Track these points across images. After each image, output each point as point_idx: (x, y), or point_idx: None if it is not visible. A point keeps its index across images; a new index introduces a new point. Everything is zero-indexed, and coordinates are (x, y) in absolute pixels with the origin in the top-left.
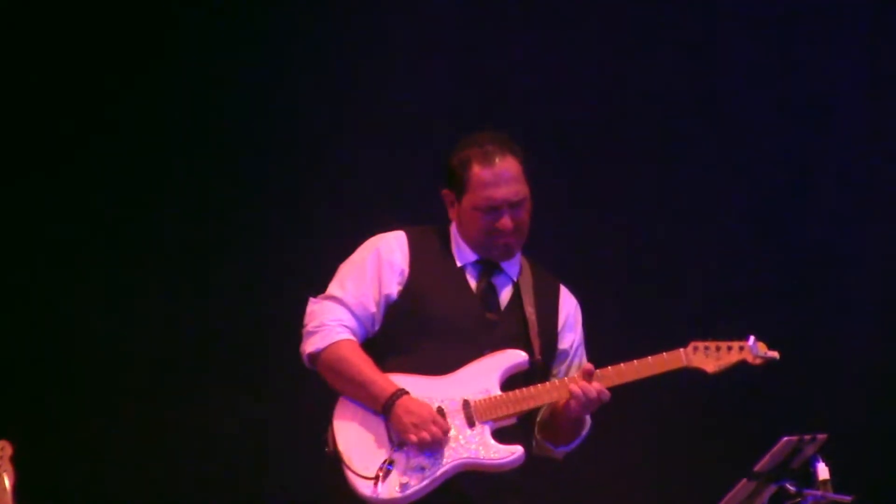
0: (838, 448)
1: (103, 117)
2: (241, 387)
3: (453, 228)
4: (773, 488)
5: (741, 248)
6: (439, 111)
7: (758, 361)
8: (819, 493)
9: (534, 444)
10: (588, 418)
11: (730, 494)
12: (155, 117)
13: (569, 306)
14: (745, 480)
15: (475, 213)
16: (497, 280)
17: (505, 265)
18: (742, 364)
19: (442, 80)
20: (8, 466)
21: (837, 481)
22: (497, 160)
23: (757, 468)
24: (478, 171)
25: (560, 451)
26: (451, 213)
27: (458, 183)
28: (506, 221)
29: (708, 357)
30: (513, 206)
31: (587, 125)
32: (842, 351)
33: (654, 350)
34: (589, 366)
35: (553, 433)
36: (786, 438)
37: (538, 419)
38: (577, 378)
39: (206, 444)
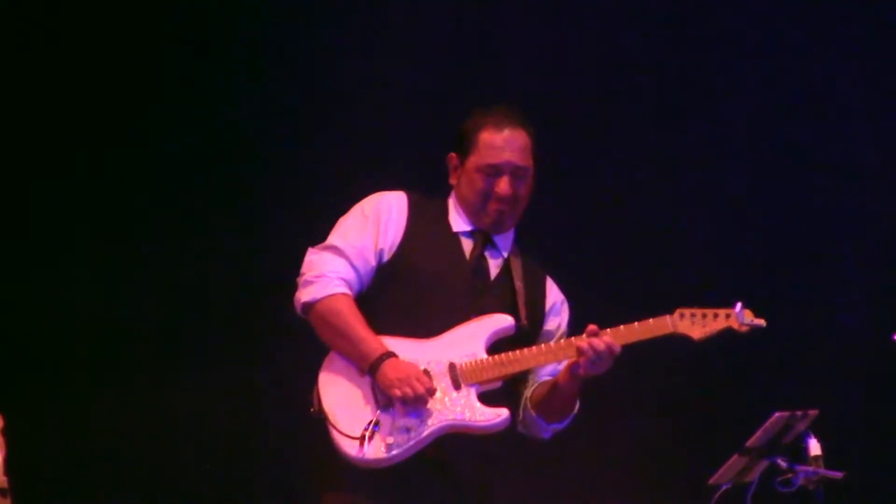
0: (830, 424)
1: (93, 85)
2: (236, 353)
3: (451, 198)
4: (764, 464)
5: (733, 222)
6: (435, 83)
7: (744, 329)
8: (811, 468)
9: (521, 421)
10: (577, 401)
11: (722, 469)
12: (148, 78)
13: (555, 295)
14: (736, 456)
15: (477, 174)
16: (489, 252)
17: (498, 241)
18: (728, 331)
19: (437, 52)
20: (0, 439)
21: (829, 457)
22: (507, 128)
23: (749, 444)
24: (487, 133)
25: (551, 429)
26: (453, 178)
27: (465, 144)
28: (504, 186)
29: (694, 324)
30: (514, 173)
31: (580, 100)
32: (833, 326)
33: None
34: (592, 326)
35: (547, 408)
36: (777, 414)
37: (530, 394)
38: (582, 337)
39: (201, 413)
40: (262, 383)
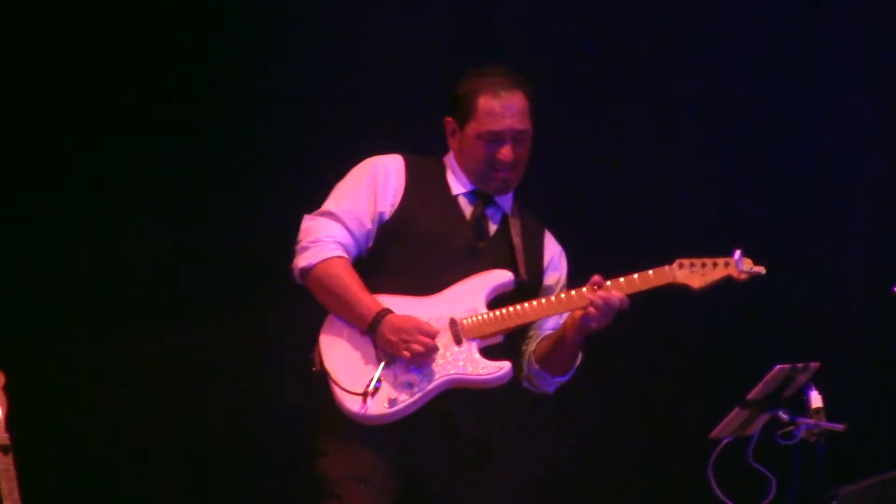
0: (831, 376)
1: (92, 50)
2: (237, 311)
3: (449, 159)
4: (766, 416)
5: (733, 176)
6: (432, 45)
7: (743, 277)
8: (812, 421)
9: (525, 376)
10: (581, 352)
11: (723, 423)
12: (150, 46)
13: (553, 249)
14: (738, 408)
15: (478, 141)
16: (489, 211)
17: (499, 199)
18: (728, 280)
19: (434, 13)
20: (0, 396)
21: (830, 410)
22: (505, 92)
23: (750, 396)
24: (485, 99)
25: (556, 382)
26: (452, 142)
27: (463, 110)
28: (507, 152)
29: (693, 273)
30: (515, 137)
31: (578, 56)
32: (834, 278)
33: None
34: (597, 277)
35: (552, 362)
36: (778, 367)
37: (534, 348)
38: (587, 290)
39: (203, 369)
40: (266, 335)
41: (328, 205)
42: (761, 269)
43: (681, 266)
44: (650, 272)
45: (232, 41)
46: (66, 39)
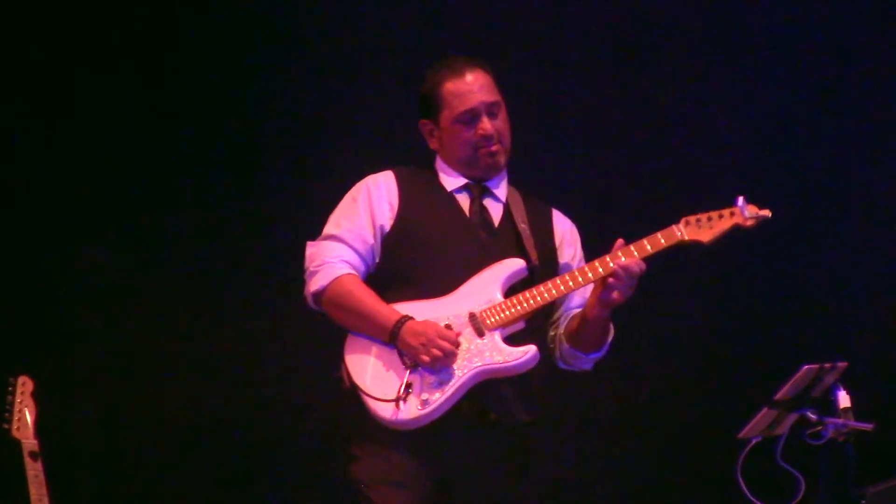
0: (859, 375)
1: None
2: (252, 323)
3: (437, 162)
4: (794, 416)
5: (754, 174)
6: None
7: (750, 223)
8: (840, 421)
9: (560, 357)
10: (611, 325)
11: (751, 423)
12: (156, 56)
13: (563, 225)
14: (766, 409)
15: (455, 126)
16: (487, 202)
17: (493, 187)
18: (736, 229)
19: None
20: (29, 402)
21: (858, 409)
22: (466, 71)
23: (777, 397)
24: (450, 84)
25: (591, 359)
26: (433, 143)
27: (433, 105)
28: (485, 124)
29: (701, 228)
30: (489, 111)
31: (601, 43)
32: (862, 277)
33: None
34: (620, 241)
35: (583, 340)
36: (806, 367)
37: (563, 330)
38: (602, 259)
39: (223, 377)
40: (282, 335)
41: (328, 229)
42: (767, 213)
43: (687, 223)
44: (658, 234)
45: (233, 45)
46: (69, 40)
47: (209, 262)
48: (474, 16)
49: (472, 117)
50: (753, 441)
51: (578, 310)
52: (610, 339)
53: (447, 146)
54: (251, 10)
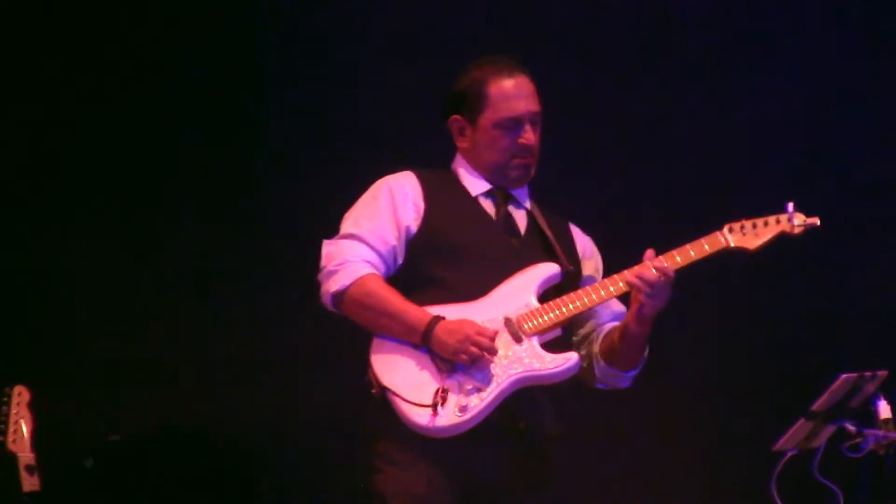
0: None
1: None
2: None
3: (458, 163)
4: (831, 428)
5: (798, 179)
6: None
7: (798, 231)
8: (881, 432)
9: (597, 377)
10: (646, 345)
11: (787, 435)
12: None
13: (583, 239)
14: (802, 420)
15: (496, 130)
16: (512, 208)
17: (517, 194)
18: (783, 237)
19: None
20: (26, 413)
21: None
22: (516, 75)
23: (815, 407)
24: (496, 85)
25: (629, 377)
26: (461, 142)
27: (473, 103)
28: (529, 135)
29: (746, 235)
30: (532, 120)
31: (627, 41)
32: None
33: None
34: (650, 251)
35: (619, 357)
36: (844, 376)
37: (597, 349)
38: (642, 265)
39: (221, 380)
40: (284, 335)
41: (347, 227)
42: (815, 221)
43: (731, 230)
44: (702, 240)
45: (235, 47)
46: (74, 42)
47: (212, 265)
48: (488, 17)
49: (515, 124)
50: (789, 454)
51: (611, 325)
52: (645, 355)
53: (479, 148)
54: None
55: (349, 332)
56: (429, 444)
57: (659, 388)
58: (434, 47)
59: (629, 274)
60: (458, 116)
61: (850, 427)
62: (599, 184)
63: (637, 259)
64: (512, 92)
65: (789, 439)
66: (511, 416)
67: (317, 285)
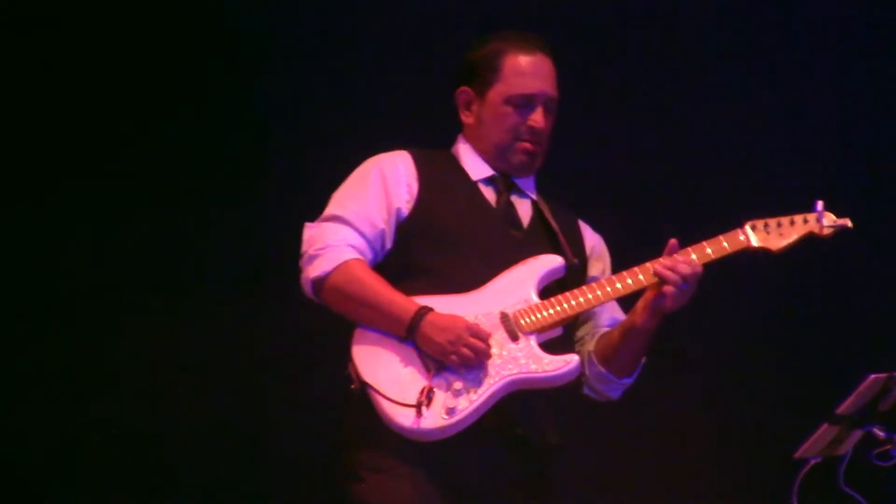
0: None
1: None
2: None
3: (459, 146)
4: (858, 434)
5: (824, 171)
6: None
7: (827, 232)
8: None
9: (586, 381)
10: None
11: (810, 441)
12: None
13: (592, 236)
14: (826, 425)
15: (506, 106)
16: (515, 197)
17: (521, 183)
18: (809, 238)
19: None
20: None
21: None
22: (537, 52)
23: (840, 411)
24: (513, 58)
25: (622, 384)
26: (467, 116)
27: (485, 74)
28: (538, 117)
29: (770, 234)
30: (547, 105)
31: (643, 27)
32: None
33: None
34: (673, 241)
35: (617, 359)
36: (873, 376)
37: (593, 347)
38: (656, 261)
39: (205, 380)
40: (271, 332)
41: (331, 209)
42: (846, 222)
43: (754, 228)
44: (720, 238)
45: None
46: (72, 41)
47: (188, 256)
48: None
49: (526, 103)
50: (812, 462)
51: (610, 327)
52: (643, 363)
53: (484, 124)
54: None
55: (333, 325)
56: (413, 448)
57: (670, 392)
58: (433, 27)
59: (660, 263)
60: (466, 88)
61: (879, 432)
62: (609, 176)
63: (648, 258)
64: (529, 69)
65: (812, 446)
66: (506, 421)
67: (297, 272)
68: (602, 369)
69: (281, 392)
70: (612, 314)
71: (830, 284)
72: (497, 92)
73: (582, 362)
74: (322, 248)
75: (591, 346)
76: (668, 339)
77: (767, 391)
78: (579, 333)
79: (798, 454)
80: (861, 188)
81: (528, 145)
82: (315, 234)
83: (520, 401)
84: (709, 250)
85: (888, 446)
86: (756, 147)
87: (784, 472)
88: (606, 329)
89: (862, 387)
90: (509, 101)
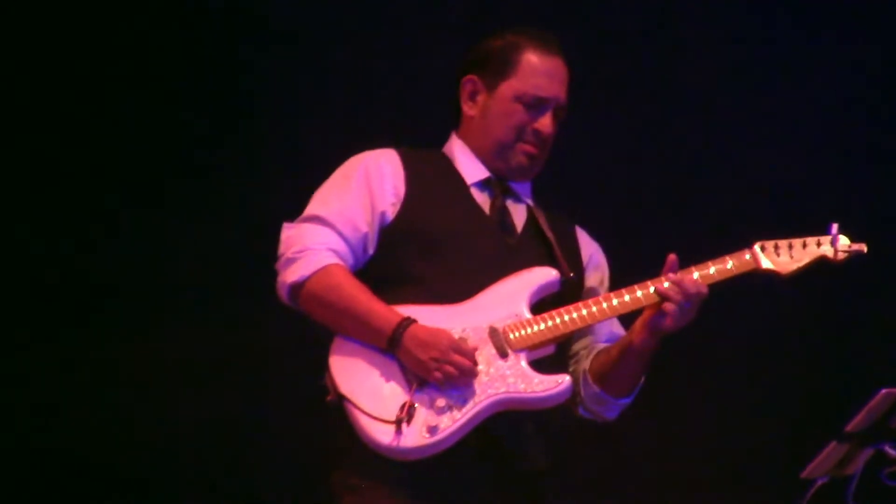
0: None
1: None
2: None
3: (453, 145)
4: (869, 452)
5: (830, 179)
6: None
7: (841, 258)
8: None
9: (581, 401)
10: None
11: (817, 460)
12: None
13: (590, 245)
14: (834, 443)
15: (515, 104)
16: (510, 203)
17: (517, 187)
18: (822, 262)
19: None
20: None
21: None
22: (557, 55)
23: (849, 428)
24: (534, 56)
25: (619, 405)
26: (469, 108)
27: (499, 66)
28: (546, 122)
29: (780, 257)
30: (557, 111)
31: (646, 33)
32: None
33: None
34: (673, 256)
35: (614, 379)
36: (885, 391)
37: (588, 365)
38: (657, 280)
39: (196, 376)
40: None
41: (313, 209)
42: (862, 247)
43: (763, 249)
44: (727, 258)
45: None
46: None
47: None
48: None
49: (539, 105)
50: (819, 482)
51: (608, 344)
52: (641, 383)
53: (488, 119)
54: None
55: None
56: (394, 468)
57: (668, 411)
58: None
59: (662, 281)
60: (474, 77)
61: (891, 451)
62: (609, 185)
63: (648, 273)
64: (546, 70)
65: (819, 465)
66: (491, 442)
67: (273, 275)
68: (597, 389)
69: (282, 393)
70: (610, 329)
71: (840, 294)
72: (509, 87)
73: (576, 382)
74: (301, 251)
75: (586, 363)
76: (670, 355)
77: (771, 408)
78: (575, 348)
79: (804, 474)
80: (870, 195)
81: (530, 148)
82: (294, 236)
83: (507, 421)
84: (713, 270)
85: None
86: (763, 159)
87: (790, 493)
88: (604, 345)
89: (873, 402)
90: (521, 98)
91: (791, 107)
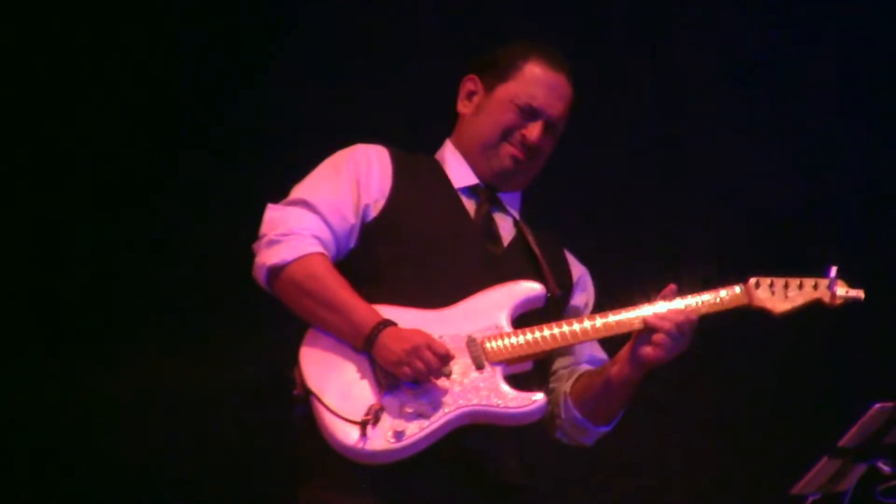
0: None
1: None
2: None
3: (444, 151)
4: (862, 468)
5: (822, 192)
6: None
7: (837, 303)
8: None
9: (559, 425)
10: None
11: (809, 476)
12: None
13: (578, 267)
14: (826, 459)
15: (508, 105)
16: (497, 213)
17: (505, 199)
18: (816, 305)
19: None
20: None
21: None
22: (561, 72)
23: (842, 443)
24: (536, 66)
25: (598, 432)
26: (465, 106)
27: (500, 70)
28: (535, 132)
29: (774, 295)
30: (549, 124)
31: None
32: None
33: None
34: (673, 286)
35: (596, 406)
36: (878, 406)
37: (569, 388)
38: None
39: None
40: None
41: (300, 192)
42: (860, 294)
43: (758, 285)
44: (720, 291)
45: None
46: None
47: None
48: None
49: (529, 112)
50: (811, 498)
51: (590, 367)
52: (624, 411)
53: (479, 117)
54: None
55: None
56: (361, 470)
57: (655, 426)
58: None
59: (652, 310)
60: (475, 77)
61: (884, 467)
62: (598, 210)
63: (635, 299)
64: (546, 82)
65: (811, 481)
66: (466, 456)
67: (251, 255)
68: (578, 415)
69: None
70: (591, 352)
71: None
72: (506, 90)
73: (556, 403)
74: (285, 234)
75: (566, 386)
76: (658, 372)
77: (762, 423)
78: (555, 367)
79: (796, 490)
80: (862, 208)
81: (515, 151)
82: (278, 218)
83: (481, 433)
84: (701, 301)
85: (894, 482)
86: (754, 179)
87: None
88: (585, 367)
89: (866, 417)
90: (514, 101)
91: (790, 119)
